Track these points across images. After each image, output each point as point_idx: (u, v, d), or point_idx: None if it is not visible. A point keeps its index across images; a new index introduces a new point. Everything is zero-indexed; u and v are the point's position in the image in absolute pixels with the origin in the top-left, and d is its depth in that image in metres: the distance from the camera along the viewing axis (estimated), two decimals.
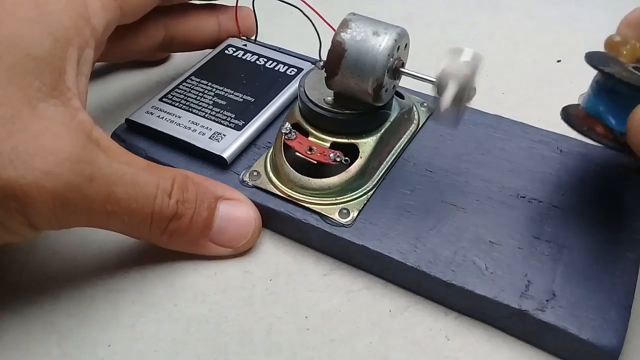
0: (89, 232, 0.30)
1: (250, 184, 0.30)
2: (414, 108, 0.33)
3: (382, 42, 0.26)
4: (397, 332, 0.26)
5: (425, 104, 0.34)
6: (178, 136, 0.31)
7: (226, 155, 0.30)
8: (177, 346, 0.26)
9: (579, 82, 0.28)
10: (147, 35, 0.35)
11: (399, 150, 0.31)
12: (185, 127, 0.32)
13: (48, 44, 0.24)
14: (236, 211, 0.28)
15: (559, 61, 0.36)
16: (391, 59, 0.27)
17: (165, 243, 0.27)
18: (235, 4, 0.38)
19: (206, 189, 0.28)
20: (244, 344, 0.26)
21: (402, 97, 0.32)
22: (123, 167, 0.25)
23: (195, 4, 0.37)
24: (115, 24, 0.29)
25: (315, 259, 0.29)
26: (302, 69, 0.36)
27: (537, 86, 0.38)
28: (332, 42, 0.27)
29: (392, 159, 0.31)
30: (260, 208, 0.29)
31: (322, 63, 0.28)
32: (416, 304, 0.27)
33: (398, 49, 0.27)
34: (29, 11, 0.24)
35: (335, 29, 0.27)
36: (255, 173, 0.30)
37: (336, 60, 0.27)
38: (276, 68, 0.36)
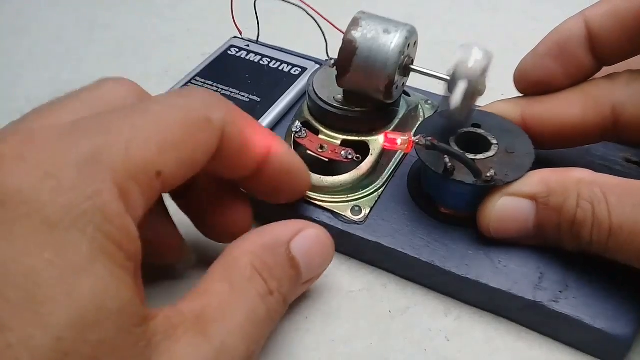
0: None
1: None
2: (419, 105, 0.33)
3: (393, 40, 0.27)
4: (396, 333, 0.26)
5: (429, 101, 0.34)
6: None
7: None
8: None
9: None
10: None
11: None
12: None
13: None
14: (306, 239, 0.24)
15: None
16: (402, 56, 0.27)
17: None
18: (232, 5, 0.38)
19: (276, 264, 0.23)
20: None
21: (408, 95, 0.32)
22: None
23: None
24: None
25: None
26: (306, 69, 0.36)
27: None
28: (343, 40, 0.27)
29: (400, 155, 0.31)
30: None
31: (332, 61, 0.28)
32: (416, 305, 0.27)
33: (408, 46, 0.27)
34: None
35: (339, 28, 0.28)
36: None
37: (348, 59, 0.27)
38: (280, 68, 0.36)
